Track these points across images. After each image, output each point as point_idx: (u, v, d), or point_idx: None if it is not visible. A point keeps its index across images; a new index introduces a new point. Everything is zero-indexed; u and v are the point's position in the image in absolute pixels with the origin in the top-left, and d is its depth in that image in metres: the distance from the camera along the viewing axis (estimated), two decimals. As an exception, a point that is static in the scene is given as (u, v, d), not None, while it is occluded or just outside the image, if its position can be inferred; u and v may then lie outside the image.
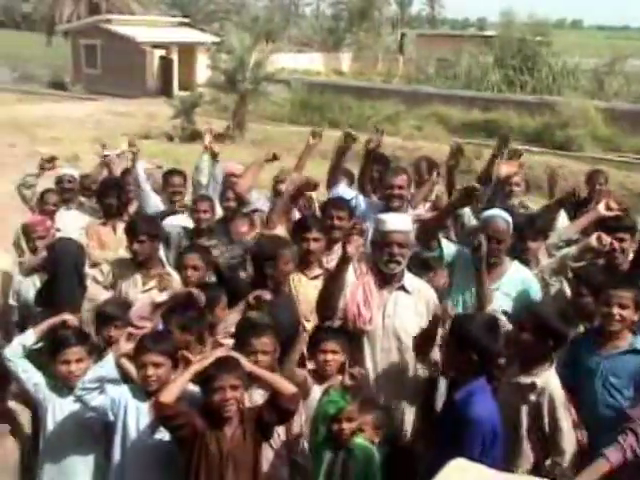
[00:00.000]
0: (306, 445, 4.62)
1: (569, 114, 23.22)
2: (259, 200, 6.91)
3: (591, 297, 5.10)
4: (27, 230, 6.31)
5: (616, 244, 5.51)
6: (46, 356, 4.58)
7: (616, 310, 4.71)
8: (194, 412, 3.97)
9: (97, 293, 5.59)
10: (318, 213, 6.25)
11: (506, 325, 4.83)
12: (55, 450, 4.46)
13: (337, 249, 5.58)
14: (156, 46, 35.62)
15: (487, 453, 3.99)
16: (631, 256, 5.77)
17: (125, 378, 4.37)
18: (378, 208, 6.20)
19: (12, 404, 4.63)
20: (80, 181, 7.79)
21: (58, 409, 4.45)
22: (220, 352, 4.17)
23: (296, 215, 6.49)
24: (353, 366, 4.73)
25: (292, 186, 6.15)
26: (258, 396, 4.42)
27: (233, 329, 4.85)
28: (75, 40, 38.00)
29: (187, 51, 36.05)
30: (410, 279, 4.99)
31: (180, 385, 3.94)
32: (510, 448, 4.36)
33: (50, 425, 4.46)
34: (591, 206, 6.62)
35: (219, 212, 6.88)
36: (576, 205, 6.92)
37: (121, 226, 6.37)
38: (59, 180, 7.48)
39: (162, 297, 4.93)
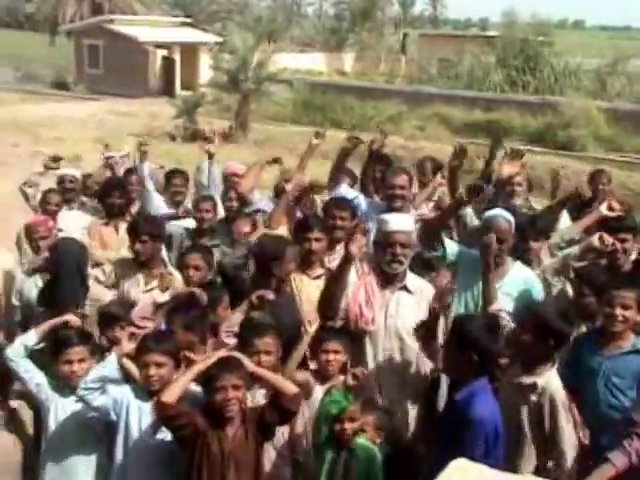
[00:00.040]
0: (308, 445, 4.62)
1: (571, 114, 23.22)
2: (261, 200, 6.91)
3: (593, 297, 5.10)
4: (29, 230, 6.32)
5: (618, 244, 5.51)
6: (48, 356, 4.58)
7: (619, 311, 4.70)
8: (196, 412, 3.97)
9: (100, 293, 5.60)
10: (320, 213, 6.24)
11: (509, 324, 4.83)
12: (57, 450, 4.46)
13: (339, 249, 5.58)
14: (159, 46, 35.66)
15: (489, 453, 3.99)
16: (634, 256, 5.77)
17: (127, 378, 4.38)
18: (380, 208, 6.19)
19: (14, 404, 4.64)
20: (82, 181, 7.81)
21: (60, 409, 4.46)
22: (222, 352, 4.17)
23: (298, 215, 6.48)
24: (355, 366, 4.73)
25: (297, 187, 6.17)
26: (260, 396, 4.42)
27: (236, 329, 4.85)
28: (78, 40, 38.04)
29: (189, 51, 36.07)
30: (412, 279, 4.99)
31: (182, 385, 3.94)
32: (512, 448, 4.36)
33: (52, 425, 4.47)
34: (594, 206, 6.60)
35: (221, 212, 6.88)
36: (579, 205, 6.92)
37: (123, 226, 6.38)
38: (61, 180, 7.50)
39: (164, 297, 4.94)
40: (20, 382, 4.53)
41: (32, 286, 5.87)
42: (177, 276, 5.56)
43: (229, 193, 6.96)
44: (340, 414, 4.28)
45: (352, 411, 4.29)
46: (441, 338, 4.72)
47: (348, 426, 4.27)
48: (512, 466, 4.25)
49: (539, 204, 7.25)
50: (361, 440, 4.34)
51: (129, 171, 7.70)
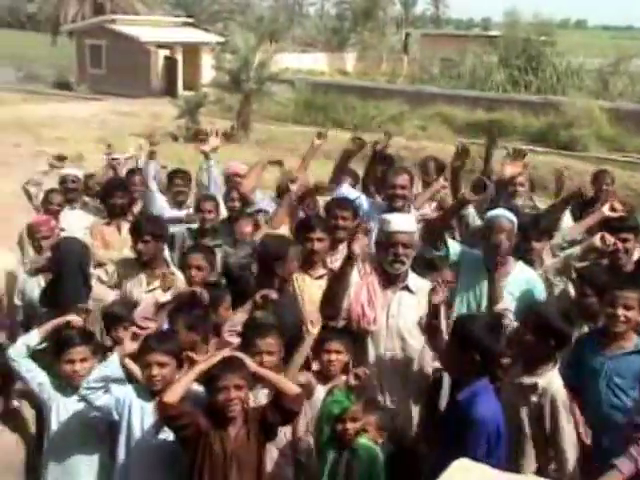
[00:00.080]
0: (310, 445, 4.62)
1: (573, 114, 23.20)
2: (263, 200, 6.91)
3: (595, 297, 5.10)
4: (32, 230, 6.32)
5: (620, 244, 5.51)
6: (50, 356, 4.59)
7: (621, 311, 4.70)
8: (198, 412, 3.97)
9: (103, 293, 5.60)
10: (322, 213, 6.25)
11: (513, 324, 4.84)
12: (59, 450, 4.47)
13: (341, 249, 5.59)
14: (160, 46, 35.65)
15: (491, 453, 3.99)
16: (636, 256, 5.76)
17: (130, 378, 4.38)
18: (381, 208, 6.20)
19: (16, 403, 4.64)
20: (84, 181, 7.82)
21: (62, 408, 4.46)
22: (225, 352, 4.17)
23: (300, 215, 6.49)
24: (357, 366, 4.73)
25: (302, 188, 6.17)
26: (263, 396, 4.42)
27: (239, 328, 4.86)
28: (80, 40, 38.04)
29: (191, 51, 36.07)
30: (414, 279, 4.99)
31: (184, 385, 3.94)
32: (513, 448, 4.36)
33: (54, 425, 4.47)
34: (597, 207, 6.60)
35: (223, 212, 6.89)
36: (582, 205, 6.93)
37: (125, 226, 6.38)
38: (63, 180, 7.50)
39: (166, 297, 4.94)
40: (22, 382, 4.54)
41: (34, 286, 5.88)
42: (179, 276, 5.56)
43: (231, 193, 6.96)
44: (342, 414, 4.29)
45: (354, 411, 4.30)
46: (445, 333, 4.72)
47: (350, 426, 4.28)
48: (513, 466, 4.26)
49: (543, 204, 7.25)
50: (363, 440, 4.34)
51: (132, 171, 7.70)
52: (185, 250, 6.16)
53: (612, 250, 5.46)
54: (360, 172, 7.42)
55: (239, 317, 4.93)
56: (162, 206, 6.90)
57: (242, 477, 3.97)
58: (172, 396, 3.86)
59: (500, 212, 5.43)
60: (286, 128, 24.48)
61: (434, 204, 6.96)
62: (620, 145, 22.67)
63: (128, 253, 5.98)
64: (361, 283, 4.90)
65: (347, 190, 6.56)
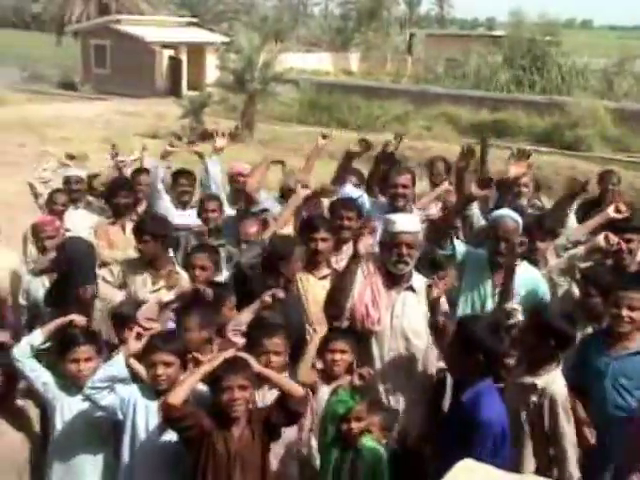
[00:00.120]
0: (314, 444, 4.62)
1: (578, 114, 23.17)
2: (267, 200, 6.91)
3: (599, 298, 5.10)
4: (36, 230, 6.33)
5: (624, 245, 5.50)
6: (55, 355, 4.59)
7: (625, 312, 4.70)
8: (202, 412, 3.97)
9: (109, 293, 5.60)
10: (326, 213, 6.24)
11: (520, 323, 4.85)
12: (64, 449, 4.47)
13: (346, 249, 5.59)
14: (165, 46, 35.71)
15: (496, 454, 3.99)
16: (640, 257, 5.76)
17: (135, 377, 4.39)
18: (383, 208, 6.20)
19: (21, 402, 4.65)
20: (88, 181, 7.82)
21: (67, 408, 4.46)
22: (229, 352, 4.17)
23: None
24: (361, 366, 4.73)
25: (311, 193, 6.19)
26: (271, 397, 4.41)
27: (244, 328, 4.86)
28: (85, 40, 38.13)
29: (196, 51, 36.11)
30: (418, 279, 4.99)
31: (188, 387, 3.94)
32: (514, 448, 4.35)
33: (59, 424, 4.47)
34: (603, 207, 6.59)
35: (226, 212, 6.89)
36: (587, 206, 6.93)
37: (130, 226, 6.38)
38: (67, 181, 7.51)
39: (169, 296, 4.95)
40: (27, 381, 4.54)
41: (39, 286, 5.88)
42: (184, 275, 5.56)
43: (236, 193, 6.97)
44: (347, 414, 4.29)
45: (358, 411, 4.29)
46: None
47: (354, 426, 4.28)
48: (514, 465, 4.25)
49: (548, 204, 7.25)
50: (367, 440, 4.33)
51: (137, 171, 7.71)
52: (189, 250, 6.16)
53: (616, 250, 5.46)
54: (365, 172, 7.42)
55: (244, 317, 4.93)
56: (167, 206, 6.90)
57: (246, 477, 3.97)
58: (176, 398, 3.86)
59: (505, 212, 5.43)
60: (290, 128, 24.49)
61: (440, 204, 6.95)
62: (625, 145, 22.64)
63: (132, 253, 5.98)
64: (365, 283, 4.90)
65: (350, 190, 6.56)
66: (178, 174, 7.38)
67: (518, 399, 4.46)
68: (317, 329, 5.19)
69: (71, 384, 4.48)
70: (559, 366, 4.51)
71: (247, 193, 6.76)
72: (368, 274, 4.92)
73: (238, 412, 3.95)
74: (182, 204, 7.13)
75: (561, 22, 40.32)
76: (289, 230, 6.13)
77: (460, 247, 5.50)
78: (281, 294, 4.97)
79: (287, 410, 3.99)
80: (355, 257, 4.74)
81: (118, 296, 5.59)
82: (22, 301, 6.05)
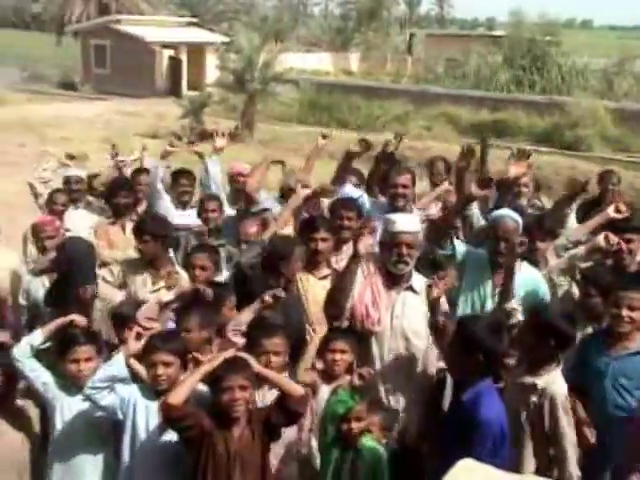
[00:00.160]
0: (314, 444, 4.62)
1: (578, 114, 23.18)
2: (267, 200, 6.91)
3: (599, 298, 5.10)
4: (36, 230, 6.33)
5: (624, 245, 5.50)
6: (55, 355, 4.59)
7: (625, 312, 4.70)
8: (202, 412, 3.97)
9: (109, 293, 5.60)
10: (326, 213, 6.25)
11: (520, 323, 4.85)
12: (64, 449, 4.47)
13: (346, 249, 5.59)
14: (165, 46, 35.71)
15: (496, 454, 3.99)
16: (640, 257, 5.76)
17: (135, 377, 4.39)
18: (383, 208, 6.20)
19: (21, 402, 4.65)
20: (88, 181, 7.82)
21: (67, 408, 4.46)
22: (229, 352, 4.17)
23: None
24: (361, 367, 4.73)
25: (311, 193, 6.19)
26: (272, 396, 4.41)
27: (244, 328, 4.86)
28: (85, 40, 38.13)
29: (196, 51, 36.11)
30: (418, 279, 4.98)
31: (188, 387, 3.93)
32: (514, 448, 4.35)
33: (59, 424, 4.47)
34: (603, 207, 6.59)
35: (226, 212, 6.89)
36: (587, 206, 6.92)
37: (130, 226, 6.39)
38: (67, 181, 7.51)
39: (169, 296, 4.95)
40: (27, 381, 4.54)
41: (39, 286, 5.88)
42: (183, 275, 5.56)
43: (236, 193, 6.97)
44: (346, 414, 4.29)
45: (358, 411, 4.30)
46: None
47: (354, 426, 4.28)
48: (514, 465, 4.25)
49: (548, 204, 7.25)
50: (367, 440, 4.34)
51: (137, 170, 7.71)
52: (189, 250, 6.15)
53: (616, 250, 5.46)
54: (365, 172, 7.42)
55: (244, 317, 4.93)
56: (167, 206, 6.90)
57: (246, 477, 3.97)
58: (176, 398, 3.86)
59: (505, 212, 5.43)
60: (290, 128, 24.49)
61: (440, 204, 6.95)
62: (625, 145, 22.65)
63: (132, 253, 5.98)
64: (365, 283, 4.90)
65: (350, 190, 6.56)
66: (178, 174, 7.38)
67: (518, 399, 4.47)
68: (317, 329, 5.19)
69: (71, 384, 4.48)
70: (559, 366, 4.51)
71: (247, 193, 6.76)
72: (368, 274, 4.92)
73: (238, 412, 3.95)
74: (182, 204, 7.13)
75: (561, 22, 40.32)
76: (289, 230, 6.13)
77: (460, 247, 5.50)
78: (281, 294, 4.98)
79: (287, 410, 3.99)
80: (355, 257, 4.74)
81: (118, 296, 5.59)
82: (22, 301, 6.05)
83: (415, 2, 71.20)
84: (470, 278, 5.41)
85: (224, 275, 5.90)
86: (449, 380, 4.77)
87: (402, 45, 49.15)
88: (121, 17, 38.85)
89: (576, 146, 22.16)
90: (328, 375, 4.72)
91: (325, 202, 6.53)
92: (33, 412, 4.69)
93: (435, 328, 4.70)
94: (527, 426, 4.45)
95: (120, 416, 4.26)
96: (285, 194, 7.05)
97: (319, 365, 4.74)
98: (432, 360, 4.92)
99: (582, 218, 6.54)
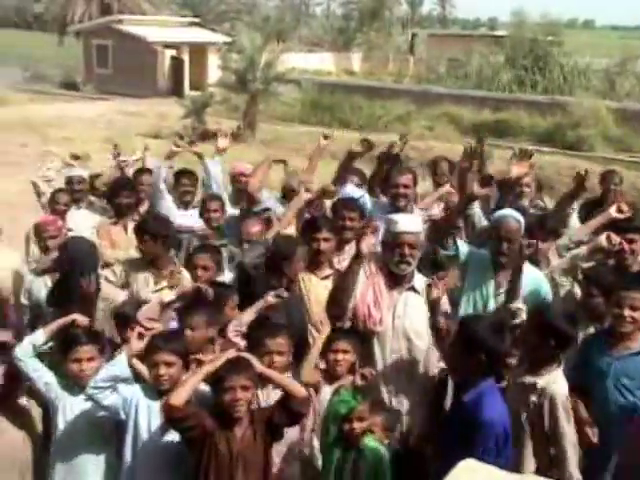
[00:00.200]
0: (316, 444, 4.62)
1: (580, 114, 23.17)
2: (269, 199, 6.91)
3: (601, 298, 5.10)
4: (39, 229, 6.33)
5: (626, 245, 5.50)
6: (57, 355, 4.60)
7: (627, 312, 4.70)
8: (204, 413, 3.97)
9: (112, 293, 5.61)
10: (329, 214, 6.25)
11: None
12: (66, 449, 4.47)
13: (348, 249, 5.59)
14: (167, 46, 35.71)
15: (499, 454, 3.99)
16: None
17: (137, 377, 4.39)
18: (384, 208, 6.20)
19: (24, 401, 4.66)
20: (90, 181, 7.83)
21: (69, 408, 4.47)
22: (231, 353, 4.17)
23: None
24: (363, 367, 4.73)
25: (314, 196, 6.20)
26: (275, 396, 4.41)
27: (245, 328, 4.86)
28: (87, 40, 38.14)
29: (198, 51, 36.12)
30: (420, 280, 4.99)
31: (190, 387, 3.93)
32: (516, 448, 4.35)
33: (61, 424, 4.47)
34: (605, 207, 6.58)
35: (228, 211, 6.89)
36: (589, 206, 6.91)
37: (132, 225, 6.39)
38: (69, 181, 7.52)
39: (170, 296, 4.95)
40: (29, 381, 4.54)
41: (41, 286, 5.89)
42: (186, 275, 5.57)
43: (239, 193, 6.97)
44: (349, 414, 4.29)
45: (360, 411, 4.30)
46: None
47: (357, 426, 4.28)
48: (514, 465, 4.26)
49: (551, 204, 7.24)
50: (369, 440, 4.34)
51: (139, 170, 7.71)
52: (191, 250, 6.16)
53: (618, 250, 5.46)
54: (367, 172, 7.41)
55: (246, 317, 4.94)
56: (169, 207, 6.90)
57: (248, 478, 3.97)
58: (178, 398, 3.85)
59: (507, 212, 5.43)
60: (292, 128, 24.49)
61: (442, 205, 6.95)
62: (627, 145, 22.63)
63: (134, 253, 5.98)
64: (367, 283, 4.90)
65: (351, 189, 6.55)
66: (180, 174, 7.38)
67: (518, 399, 4.47)
68: (319, 329, 5.18)
69: (73, 384, 4.49)
70: (560, 366, 4.51)
71: (249, 193, 6.76)
72: (370, 274, 4.93)
73: (240, 412, 3.95)
74: (184, 204, 7.13)
75: (563, 22, 40.33)
76: (291, 231, 6.13)
77: (463, 247, 5.50)
78: (284, 294, 4.98)
79: (289, 411, 3.99)
80: (358, 257, 4.74)
81: (121, 296, 5.59)
82: (24, 301, 6.05)
83: (417, 2, 71.18)
84: (472, 278, 5.41)
85: (226, 275, 5.90)
86: (450, 380, 4.77)
87: (404, 45, 49.15)
88: (123, 17, 38.85)
89: (578, 146, 22.14)
90: (330, 375, 4.72)
91: (327, 202, 6.53)
92: (35, 412, 4.70)
93: (435, 329, 4.71)
94: (527, 426, 4.46)
95: (122, 416, 4.26)
96: (287, 195, 7.05)
97: (322, 365, 4.75)
98: (434, 360, 4.92)
99: (584, 218, 6.54)
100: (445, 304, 4.88)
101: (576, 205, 6.60)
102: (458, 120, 25.52)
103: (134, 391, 4.28)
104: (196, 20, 41.36)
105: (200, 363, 4.35)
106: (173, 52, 35.93)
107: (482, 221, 6.20)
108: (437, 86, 30.59)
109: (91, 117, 25.64)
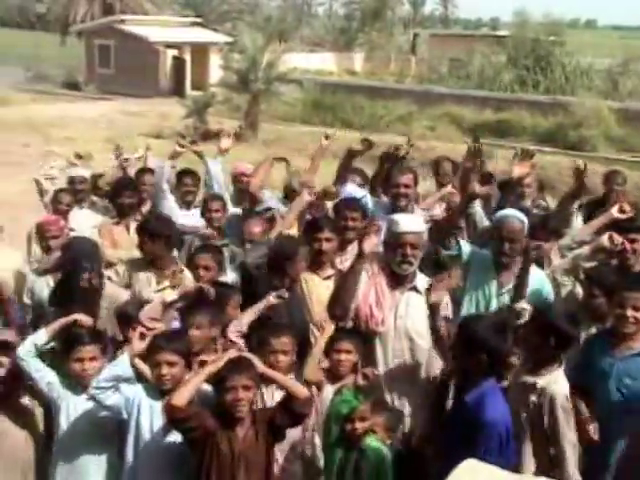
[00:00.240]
0: (318, 443, 4.62)
1: (582, 114, 23.17)
2: (271, 199, 6.91)
3: (604, 298, 5.09)
4: (41, 229, 6.33)
5: (628, 245, 5.50)
6: (59, 354, 4.60)
7: (630, 312, 4.69)
8: (206, 413, 3.97)
9: (115, 292, 5.61)
10: (330, 214, 6.25)
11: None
12: (68, 449, 4.47)
13: (351, 249, 5.59)
14: (169, 46, 35.73)
15: (501, 454, 3.99)
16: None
17: (139, 377, 4.39)
18: (385, 208, 6.20)
19: (26, 400, 4.66)
20: (93, 181, 7.83)
21: (72, 407, 4.46)
22: (233, 353, 4.17)
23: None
24: (365, 367, 4.73)
25: (315, 197, 6.20)
26: (279, 395, 4.41)
27: (245, 329, 4.86)
28: (89, 40, 38.14)
29: (200, 51, 36.14)
30: (422, 280, 4.98)
31: (192, 388, 3.93)
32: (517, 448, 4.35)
33: (64, 424, 4.47)
34: (608, 207, 6.58)
35: (230, 211, 6.89)
36: (592, 206, 6.91)
37: (134, 225, 6.39)
38: (71, 181, 7.52)
39: (172, 296, 4.95)
40: (31, 381, 4.54)
41: (44, 285, 5.89)
42: (188, 275, 5.57)
43: (243, 193, 6.97)
44: (350, 414, 4.29)
45: (362, 411, 4.30)
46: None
47: (358, 426, 4.28)
48: (513, 465, 4.25)
49: (553, 204, 7.24)
50: (371, 440, 4.34)
51: (142, 170, 7.71)
52: (193, 250, 6.16)
53: (620, 250, 5.45)
54: (369, 173, 7.41)
55: (246, 318, 4.94)
56: (171, 206, 6.90)
57: (250, 478, 3.97)
58: (180, 399, 3.85)
59: (510, 212, 5.42)
60: (294, 128, 24.49)
61: (444, 205, 6.95)
62: (629, 145, 22.64)
63: (137, 253, 5.98)
64: (369, 283, 4.90)
65: (352, 189, 6.55)
66: (182, 174, 7.38)
67: (519, 399, 4.47)
68: (321, 329, 5.18)
69: (76, 383, 4.49)
70: (561, 366, 4.50)
71: (251, 193, 6.77)
72: (372, 274, 4.93)
73: (242, 412, 3.95)
74: (186, 204, 7.14)
75: (565, 22, 40.21)
76: (293, 232, 6.13)
77: (466, 247, 5.50)
78: (285, 295, 4.99)
79: (292, 411, 3.99)
80: (360, 257, 4.74)
81: (124, 295, 5.59)
82: (27, 300, 6.05)
83: (419, 2, 71.09)
84: (475, 278, 5.41)
85: (228, 275, 5.90)
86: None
87: (406, 45, 49.13)
88: (125, 17, 38.85)
89: (580, 146, 22.15)
90: (333, 375, 4.72)
91: (329, 203, 6.53)
92: (37, 411, 4.70)
93: (435, 332, 4.71)
94: (527, 426, 4.45)
95: (125, 416, 4.26)
96: (289, 195, 7.05)
97: (325, 364, 4.75)
98: (436, 360, 4.92)
99: (587, 218, 6.53)
100: (445, 308, 4.86)
101: (577, 203, 6.59)
102: (460, 120, 25.53)
103: (136, 391, 4.28)
104: (198, 20, 41.36)
105: (202, 363, 4.35)
106: (175, 52, 35.94)
107: (484, 221, 6.20)
108: (439, 86, 30.60)
109: (93, 117, 25.66)
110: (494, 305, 5.27)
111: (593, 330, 5.16)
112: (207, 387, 4.13)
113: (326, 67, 40.32)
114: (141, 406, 4.24)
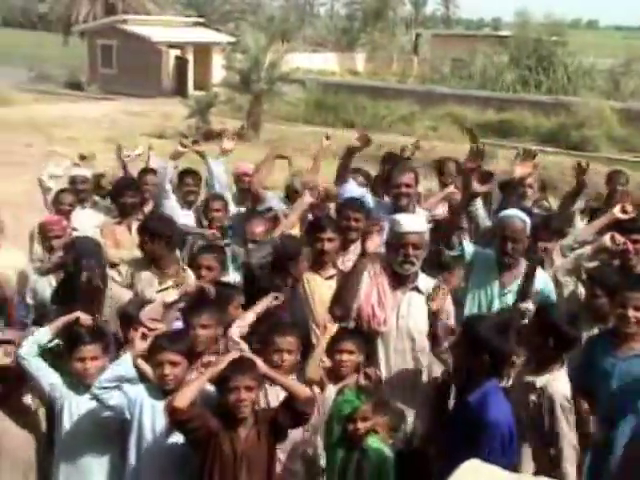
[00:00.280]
0: (320, 443, 4.63)
1: (584, 114, 23.16)
2: (273, 199, 6.92)
3: (606, 298, 5.09)
4: (43, 229, 6.33)
5: (630, 245, 5.49)
6: (61, 354, 4.60)
7: (632, 312, 4.69)
8: (208, 413, 3.97)
9: (118, 292, 5.62)
10: (333, 214, 6.25)
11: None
12: (71, 449, 4.47)
13: (353, 249, 5.59)
14: (172, 46, 35.75)
15: (504, 454, 3.99)
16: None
17: (142, 377, 4.39)
18: (386, 208, 6.20)
19: (28, 400, 4.66)
20: (95, 180, 7.84)
21: (74, 407, 4.46)
22: (235, 353, 4.17)
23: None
24: (367, 367, 4.73)
25: (317, 199, 6.21)
26: (283, 394, 4.40)
27: (245, 329, 4.87)
28: (91, 40, 38.18)
29: (202, 51, 36.15)
30: (424, 280, 4.99)
31: (194, 390, 3.93)
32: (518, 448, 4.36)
33: (66, 423, 4.46)
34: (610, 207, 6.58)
35: (231, 211, 6.90)
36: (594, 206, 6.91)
37: (136, 225, 6.39)
38: (73, 181, 7.53)
39: (173, 296, 4.96)
40: (33, 380, 4.55)
41: (46, 285, 5.89)
42: (190, 274, 5.57)
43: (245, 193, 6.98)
44: (353, 414, 4.29)
45: (364, 410, 4.30)
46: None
47: (360, 425, 4.28)
48: (517, 465, 4.26)
49: (554, 204, 7.24)
50: (373, 440, 4.34)
51: (144, 170, 7.72)
52: (195, 250, 6.16)
53: (622, 250, 5.45)
54: (372, 173, 7.42)
55: (247, 318, 4.94)
56: (173, 206, 6.90)
57: (252, 478, 3.97)
58: (182, 400, 3.85)
59: (512, 212, 5.42)
60: (296, 128, 24.49)
61: (447, 205, 6.94)
62: (631, 145, 22.63)
63: (138, 253, 5.99)
64: (371, 284, 4.90)
65: (352, 187, 6.54)
66: (184, 174, 7.38)
67: (520, 399, 4.47)
68: (323, 329, 5.19)
69: (78, 383, 4.49)
70: (563, 366, 4.51)
71: (253, 192, 6.77)
72: (374, 274, 4.93)
73: (244, 413, 3.95)
74: (188, 204, 7.14)
75: (567, 22, 40.26)
76: (295, 232, 6.14)
77: (469, 247, 5.50)
78: (282, 298, 5.00)
79: (294, 412, 3.99)
80: (363, 256, 4.74)
81: (127, 295, 5.60)
82: (29, 300, 6.05)
83: (421, 2, 71.08)
84: (477, 278, 5.41)
85: (230, 275, 5.91)
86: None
87: (408, 45, 49.10)
88: (127, 17, 38.89)
89: (582, 146, 22.14)
90: (335, 375, 4.72)
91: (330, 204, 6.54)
92: (40, 411, 4.70)
93: (433, 336, 4.72)
94: (528, 426, 4.45)
95: (127, 416, 4.26)
96: (290, 195, 7.05)
97: (327, 363, 4.75)
98: (437, 361, 4.92)
99: (590, 218, 6.54)
100: (444, 313, 4.84)
101: (579, 204, 6.59)
102: (462, 120, 25.47)
103: (139, 391, 4.28)
104: (200, 20, 41.40)
105: (206, 365, 4.36)
106: (177, 52, 35.98)
107: (486, 221, 6.20)
108: (441, 86, 30.59)
109: (95, 117, 25.68)
110: (496, 305, 5.27)
111: (595, 330, 5.16)
112: (209, 387, 4.13)
113: (328, 67, 40.31)
114: (144, 406, 4.25)
